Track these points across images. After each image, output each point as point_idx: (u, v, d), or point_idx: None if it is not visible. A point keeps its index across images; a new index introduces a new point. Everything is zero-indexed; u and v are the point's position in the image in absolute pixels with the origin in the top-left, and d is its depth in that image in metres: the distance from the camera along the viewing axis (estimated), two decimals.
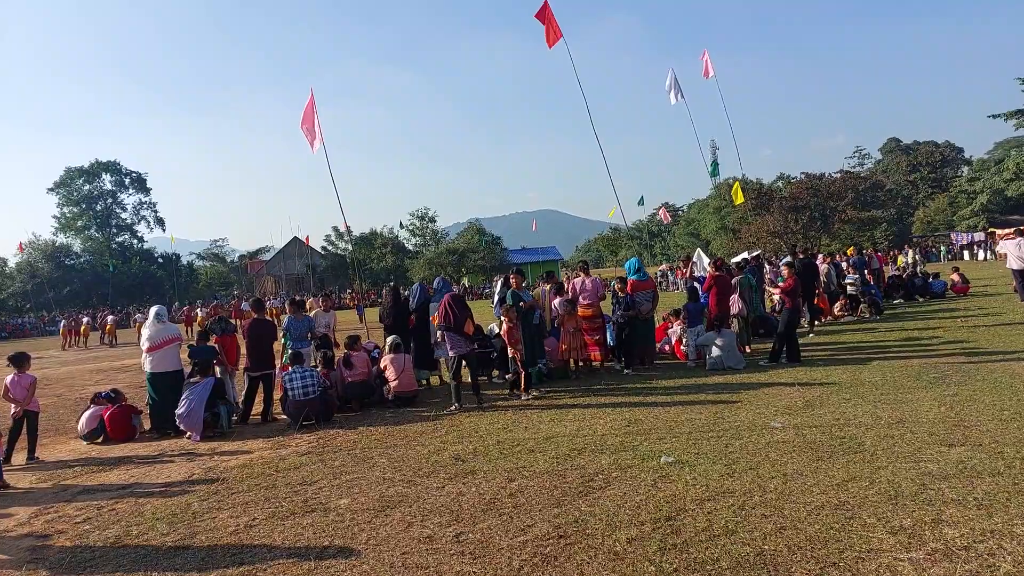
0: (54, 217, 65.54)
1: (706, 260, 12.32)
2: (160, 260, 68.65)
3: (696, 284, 11.44)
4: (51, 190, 64.87)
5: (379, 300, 40.99)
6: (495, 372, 10.43)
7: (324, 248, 73.96)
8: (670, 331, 11.27)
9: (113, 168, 66.20)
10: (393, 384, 8.59)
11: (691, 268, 11.93)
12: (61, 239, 65.19)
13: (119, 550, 4.29)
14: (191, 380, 7.92)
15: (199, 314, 29.61)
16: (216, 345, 9.12)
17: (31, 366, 7.41)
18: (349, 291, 52.22)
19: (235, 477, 5.84)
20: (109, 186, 66.53)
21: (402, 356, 8.82)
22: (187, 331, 25.60)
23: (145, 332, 8.24)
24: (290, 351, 8.96)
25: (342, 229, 72.80)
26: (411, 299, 10.23)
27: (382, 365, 8.84)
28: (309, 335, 9.45)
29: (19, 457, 7.21)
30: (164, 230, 68.98)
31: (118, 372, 15.80)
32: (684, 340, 10.72)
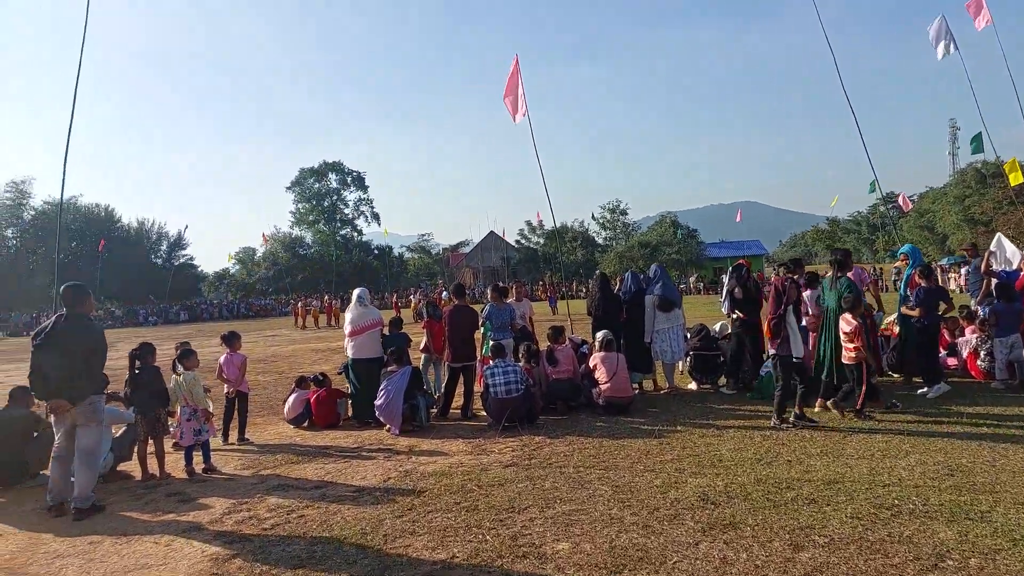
0: (291, 212, 74.60)
1: (1010, 248, 9.33)
2: (375, 252, 75.09)
3: (997, 279, 8.62)
4: (288, 188, 73.83)
5: (568, 293, 40.31)
6: (722, 381, 8.73)
7: (517, 241, 75.77)
8: (961, 340, 8.65)
9: (337, 168, 73.46)
10: (604, 387, 7.34)
11: (987, 258, 9.08)
12: (296, 232, 74.06)
13: None
14: (388, 369, 7.38)
15: (413, 300, 31.29)
16: (424, 329, 8.63)
17: (242, 344, 7.36)
18: (540, 283, 52.48)
19: (433, 489, 4.97)
20: (334, 184, 74.01)
21: (615, 355, 7.53)
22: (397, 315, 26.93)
23: (348, 315, 7.89)
24: (491, 342, 8.16)
25: (535, 222, 74.20)
26: (624, 290, 8.90)
27: (591, 364, 7.64)
28: (511, 326, 8.57)
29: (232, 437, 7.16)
30: (379, 224, 75.20)
31: (334, 353, 16.55)
32: (983, 353, 8.12)
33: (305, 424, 7.72)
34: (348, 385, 7.96)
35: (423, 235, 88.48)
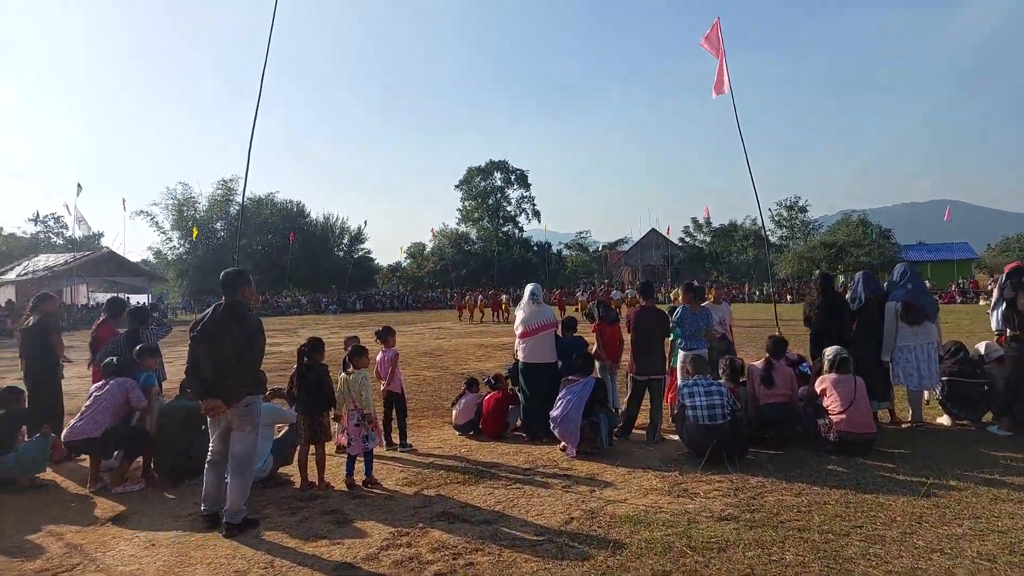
0: (458, 210, 77.35)
1: None
2: (535, 248, 75.63)
3: None
4: (456, 187, 76.64)
5: (741, 296, 37.00)
6: (987, 417, 6.73)
7: (681, 240, 72.43)
8: None
9: (502, 167, 74.89)
10: (837, 419, 5.78)
11: None
12: (462, 228, 76.60)
13: None
14: (569, 378, 6.41)
15: (581, 299, 30.65)
16: (595, 333, 7.57)
17: (395, 341, 6.81)
18: (709, 284, 49.25)
19: (630, 544, 3.88)
20: (499, 183, 75.56)
21: (851, 378, 5.93)
22: (560, 314, 26.28)
23: (519, 314, 7.04)
24: (680, 352, 6.91)
25: (701, 219, 70.45)
26: (853, 295, 7.17)
27: (818, 388, 6.09)
28: (706, 333, 7.23)
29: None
30: (540, 222, 75.66)
31: (497, 349, 16.11)
32: None
33: (471, 432, 7.01)
34: (517, 389, 7.15)
35: (580, 232, 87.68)
